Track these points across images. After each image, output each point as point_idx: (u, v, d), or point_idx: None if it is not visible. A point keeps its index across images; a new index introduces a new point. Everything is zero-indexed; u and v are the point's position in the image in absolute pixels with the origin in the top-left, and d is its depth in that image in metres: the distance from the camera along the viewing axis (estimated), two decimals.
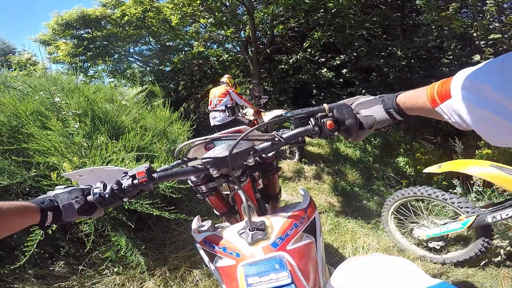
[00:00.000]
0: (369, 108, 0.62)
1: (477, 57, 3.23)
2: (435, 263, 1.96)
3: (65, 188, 0.63)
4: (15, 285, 1.53)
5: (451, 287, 0.44)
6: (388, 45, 4.82)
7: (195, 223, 0.85)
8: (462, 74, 0.44)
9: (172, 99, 7.43)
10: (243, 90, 8.10)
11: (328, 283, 0.59)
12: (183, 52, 7.82)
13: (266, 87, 6.80)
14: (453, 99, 0.45)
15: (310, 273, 0.62)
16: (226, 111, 3.73)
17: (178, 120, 2.78)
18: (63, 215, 0.59)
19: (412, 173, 3.67)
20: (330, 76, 5.36)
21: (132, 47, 7.54)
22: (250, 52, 6.87)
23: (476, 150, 3.30)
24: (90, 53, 6.16)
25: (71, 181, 1.34)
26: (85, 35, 6.37)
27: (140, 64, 7.77)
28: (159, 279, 1.79)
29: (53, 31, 6.14)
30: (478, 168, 1.68)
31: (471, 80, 0.42)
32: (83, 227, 1.67)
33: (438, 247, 1.95)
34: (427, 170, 1.98)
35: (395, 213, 2.15)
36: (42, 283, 1.62)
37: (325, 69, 5.49)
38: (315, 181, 3.58)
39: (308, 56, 5.86)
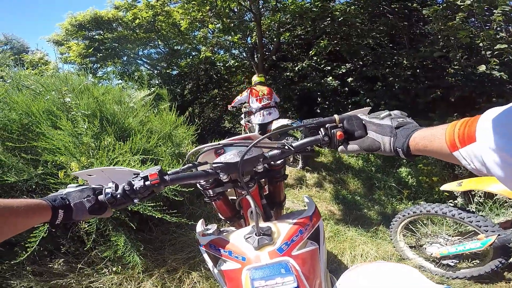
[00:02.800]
0: (380, 135, 0.61)
1: (482, 67, 3.20)
2: (447, 278, 1.92)
3: (77, 186, 0.64)
4: (12, 281, 1.54)
5: None
6: (394, 54, 4.84)
7: (200, 226, 0.86)
8: (490, 115, 0.39)
9: (178, 103, 7.52)
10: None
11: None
12: (191, 57, 7.94)
13: None
14: (477, 143, 0.40)
15: (314, 279, 0.63)
16: (276, 108, 3.97)
17: (183, 124, 2.83)
18: (74, 214, 0.60)
19: (414, 184, 3.65)
20: (335, 84, 5.38)
21: (141, 49, 7.70)
22: (256, 59, 6.94)
23: None
24: (100, 54, 6.28)
25: (77, 179, 1.31)
26: (97, 36, 6.52)
27: (148, 67, 7.90)
28: (157, 280, 1.80)
29: (66, 31, 6.30)
30: (501, 185, 1.66)
31: (502, 123, 0.37)
32: (83, 225, 1.70)
33: (452, 264, 1.89)
34: (446, 187, 1.91)
35: (404, 229, 2.10)
36: (40, 280, 1.63)
37: (330, 78, 5.52)
38: (316, 189, 3.58)
39: (313, 64, 5.90)
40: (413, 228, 2.07)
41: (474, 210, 2.28)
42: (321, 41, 4.97)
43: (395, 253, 2.18)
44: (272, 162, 0.77)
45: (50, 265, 1.74)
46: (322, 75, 5.71)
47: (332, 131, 0.64)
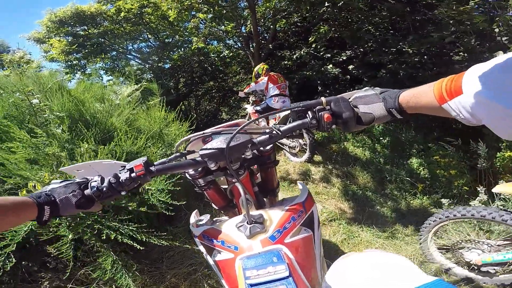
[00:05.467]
0: (369, 104, 0.62)
1: (500, 54, 2.99)
2: (484, 283, 1.72)
3: (61, 182, 0.62)
4: None
5: (447, 284, 0.44)
6: (399, 40, 4.54)
7: (193, 217, 0.83)
8: (475, 70, 0.44)
9: (171, 97, 7.21)
10: (243, 87, 7.91)
11: (324, 279, 0.59)
12: (182, 49, 7.58)
13: None
14: (464, 95, 0.45)
15: (308, 266, 0.62)
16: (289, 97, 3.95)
17: (176, 120, 2.56)
18: (61, 209, 0.59)
19: (427, 176, 3.42)
20: (336, 72, 5.09)
21: (130, 44, 7.32)
22: (251, 48, 6.62)
23: (498, 153, 3.06)
24: (85, 50, 5.90)
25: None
26: (81, 32, 6.12)
27: (139, 62, 7.52)
28: None
29: (47, 28, 5.90)
30: None
31: (486, 75, 0.42)
32: (66, 240, 1.46)
33: (492, 272, 1.69)
34: (498, 189, 1.69)
35: (435, 236, 1.91)
36: None
37: (330, 65, 5.22)
38: (323, 184, 3.35)
39: (312, 51, 5.59)
40: (449, 231, 1.89)
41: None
42: (321, 27, 4.65)
43: (418, 256, 1.97)
44: (261, 148, 0.75)
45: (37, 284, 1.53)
46: (321, 63, 5.41)
47: (320, 113, 0.64)
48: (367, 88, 0.66)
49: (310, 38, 5.01)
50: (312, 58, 5.65)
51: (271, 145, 0.78)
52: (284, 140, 3.76)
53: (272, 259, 0.58)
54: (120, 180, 0.62)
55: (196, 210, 0.88)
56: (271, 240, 0.64)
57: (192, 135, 0.74)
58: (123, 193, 0.63)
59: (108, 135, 1.79)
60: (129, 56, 7.34)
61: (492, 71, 0.41)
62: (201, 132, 0.74)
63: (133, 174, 0.62)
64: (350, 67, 5.19)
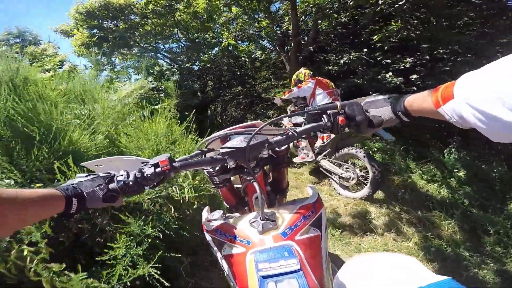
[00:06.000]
0: (378, 108, 0.67)
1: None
2: None
3: (86, 176, 0.63)
4: None
5: (457, 284, 0.44)
6: (500, 44, 3.46)
7: (205, 213, 0.84)
8: (467, 77, 0.48)
9: (196, 101, 6.63)
10: (272, 95, 7.15)
11: (336, 277, 0.63)
12: (213, 50, 6.99)
13: None
14: (455, 100, 0.48)
15: (315, 263, 0.63)
16: None
17: (189, 131, 1.76)
18: (87, 202, 0.59)
19: None
20: (398, 82, 4.08)
21: (161, 43, 6.84)
22: (287, 51, 5.82)
23: None
24: (107, 44, 5.45)
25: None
26: (109, 25, 5.71)
27: (168, 62, 7.01)
28: None
29: (76, 21, 5.57)
30: None
31: (476, 82, 0.45)
32: None
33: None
34: None
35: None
36: None
37: (389, 74, 4.23)
38: (392, 234, 2.36)
39: (364, 56, 4.65)
40: None
41: None
42: (392, 24, 3.69)
43: None
44: (276, 148, 0.78)
45: None
46: (378, 70, 4.43)
47: (335, 117, 0.69)
48: (376, 94, 0.70)
49: (376, 36, 4.05)
50: (362, 63, 4.70)
51: (286, 146, 0.80)
52: (333, 167, 2.87)
53: (283, 253, 0.60)
54: (145, 174, 0.63)
55: (207, 207, 0.86)
56: (282, 236, 0.65)
57: (216, 134, 0.79)
58: (146, 188, 0.64)
59: (63, 156, 1.02)
60: (159, 55, 6.88)
61: (481, 78, 0.44)
62: (224, 131, 0.78)
63: (158, 169, 0.63)
64: (414, 76, 4.18)
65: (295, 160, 3.28)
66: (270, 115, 8.97)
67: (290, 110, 3.66)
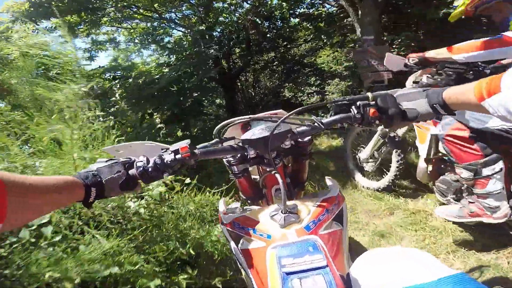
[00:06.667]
0: (413, 101, 0.63)
1: None
2: None
3: (106, 161, 0.61)
4: None
5: (469, 278, 0.43)
6: None
7: (222, 205, 0.80)
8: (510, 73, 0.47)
9: (220, 75, 5.45)
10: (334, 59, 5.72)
11: (349, 272, 0.61)
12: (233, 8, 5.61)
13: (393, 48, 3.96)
14: (502, 93, 0.47)
15: (338, 259, 0.63)
16: None
17: None
18: (106, 191, 0.58)
19: None
20: None
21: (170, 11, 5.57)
22: None
23: None
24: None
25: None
26: None
27: (182, 29, 5.80)
28: None
29: None
30: None
31: None
32: None
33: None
34: None
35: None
36: None
37: None
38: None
39: None
40: None
41: None
42: None
43: None
44: (299, 139, 0.76)
45: None
46: None
47: (366, 108, 0.65)
48: (412, 86, 0.66)
49: None
50: None
51: (310, 137, 0.77)
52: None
53: (308, 248, 0.57)
54: (165, 161, 0.62)
55: (223, 198, 0.84)
56: (306, 230, 0.62)
57: (232, 119, 0.72)
58: (165, 174, 0.62)
59: None
60: (167, 25, 5.65)
61: None
62: (242, 117, 0.73)
63: (178, 156, 0.62)
64: None
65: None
66: (312, 82, 7.58)
67: (413, 83, 1.97)
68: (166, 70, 3.00)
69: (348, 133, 2.38)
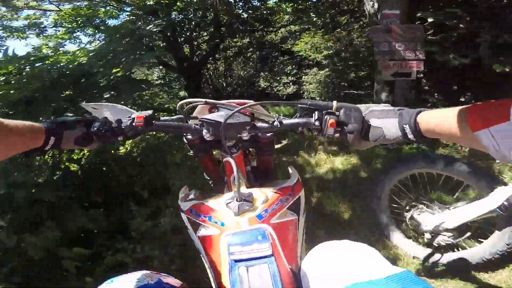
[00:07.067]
0: (382, 119, 0.56)
1: None
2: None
3: (72, 116, 0.66)
4: None
5: (415, 277, 0.44)
6: None
7: (182, 192, 0.81)
8: None
9: (181, 62, 4.56)
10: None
11: (300, 266, 0.62)
12: None
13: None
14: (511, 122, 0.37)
15: (290, 249, 0.64)
16: None
17: None
18: (62, 143, 0.61)
19: None
20: None
21: None
22: None
23: None
24: None
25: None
26: None
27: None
28: None
29: None
30: None
31: None
32: None
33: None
34: None
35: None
36: None
37: None
38: None
39: None
40: None
41: None
42: None
43: None
44: (259, 134, 0.75)
45: None
46: None
47: (326, 117, 0.60)
48: (387, 104, 0.59)
49: None
50: None
51: (271, 134, 0.75)
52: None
53: (257, 237, 0.58)
54: (122, 125, 0.65)
55: (185, 186, 0.82)
56: (258, 219, 0.63)
57: (194, 99, 0.74)
58: (120, 138, 0.66)
59: None
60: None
61: None
62: (198, 99, 0.73)
63: (134, 123, 0.65)
64: None
65: None
66: (288, 72, 6.94)
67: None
68: (83, 57, 2.06)
69: (389, 174, 1.56)
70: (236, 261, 0.54)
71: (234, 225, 0.62)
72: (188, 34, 4.61)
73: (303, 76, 5.96)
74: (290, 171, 0.82)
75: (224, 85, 6.02)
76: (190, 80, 4.88)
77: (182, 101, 0.74)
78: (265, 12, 5.20)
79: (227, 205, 0.66)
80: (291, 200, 0.70)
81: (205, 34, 5.06)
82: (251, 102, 0.72)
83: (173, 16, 4.26)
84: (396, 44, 2.28)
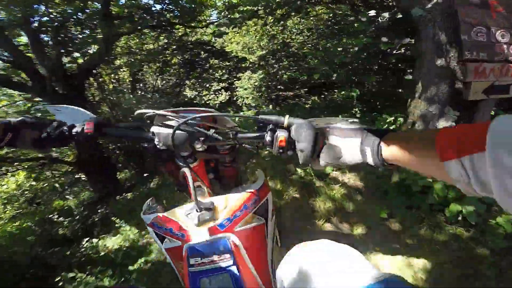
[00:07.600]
0: (343, 138, 0.49)
1: None
2: None
3: (32, 118, 0.64)
4: None
5: (398, 280, 0.42)
6: None
7: (146, 205, 0.79)
8: (507, 123, 0.30)
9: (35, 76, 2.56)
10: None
11: (277, 270, 0.59)
12: None
13: None
14: (487, 153, 0.30)
15: (257, 255, 0.62)
16: None
17: None
18: (18, 142, 0.60)
19: None
20: None
21: None
22: None
23: None
24: None
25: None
26: None
27: None
28: None
29: None
30: None
31: None
32: None
33: None
34: None
35: None
36: None
37: None
38: None
39: None
40: None
41: None
42: None
43: None
44: (218, 147, 0.73)
45: None
46: None
47: (276, 134, 0.56)
48: (355, 120, 0.49)
49: None
50: None
51: (229, 147, 0.73)
52: None
53: (218, 247, 0.57)
54: (72, 131, 0.64)
55: (151, 198, 0.81)
56: (220, 228, 0.62)
57: (150, 110, 0.67)
58: (71, 144, 0.66)
59: None
60: None
61: None
62: (164, 111, 0.67)
63: (84, 130, 0.64)
64: None
65: None
66: (219, 77, 5.76)
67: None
68: None
69: None
70: (194, 273, 0.56)
71: (194, 236, 0.61)
72: (56, 32, 2.83)
73: (235, 81, 5.09)
74: (257, 174, 0.79)
75: (133, 101, 4.31)
76: (68, 100, 3.02)
77: (141, 110, 0.69)
78: (187, 5, 3.71)
79: (187, 216, 0.65)
80: (257, 205, 0.68)
81: (88, 31, 3.33)
82: (212, 110, 0.68)
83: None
84: (496, 32, 1.23)
